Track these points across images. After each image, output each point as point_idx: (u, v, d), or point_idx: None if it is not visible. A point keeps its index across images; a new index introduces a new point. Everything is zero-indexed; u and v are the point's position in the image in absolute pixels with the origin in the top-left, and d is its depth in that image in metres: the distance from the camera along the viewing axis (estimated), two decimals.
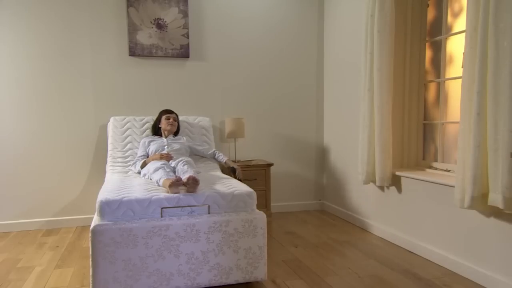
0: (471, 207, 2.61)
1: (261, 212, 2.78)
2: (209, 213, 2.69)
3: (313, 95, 4.77)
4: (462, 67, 3.13)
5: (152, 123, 4.02)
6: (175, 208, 2.62)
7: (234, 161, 4.28)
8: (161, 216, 2.58)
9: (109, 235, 2.42)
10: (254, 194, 2.80)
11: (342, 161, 4.43)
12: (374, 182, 3.72)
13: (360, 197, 4.11)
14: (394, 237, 3.58)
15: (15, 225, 4.06)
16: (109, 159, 3.68)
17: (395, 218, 3.58)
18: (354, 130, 4.19)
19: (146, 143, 3.70)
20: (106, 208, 2.46)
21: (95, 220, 2.50)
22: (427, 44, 3.57)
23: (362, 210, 4.08)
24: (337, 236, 3.80)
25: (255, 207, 2.81)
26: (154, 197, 2.58)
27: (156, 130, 3.90)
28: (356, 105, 4.15)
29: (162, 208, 2.58)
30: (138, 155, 3.65)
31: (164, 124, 3.82)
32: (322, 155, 4.83)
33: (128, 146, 3.80)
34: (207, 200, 2.69)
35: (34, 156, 4.07)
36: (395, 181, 3.55)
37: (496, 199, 2.50)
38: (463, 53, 3.12)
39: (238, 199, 2.75)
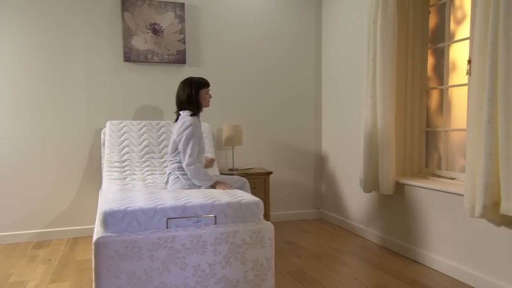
0: (482, 216, 2.57)
1: (269, 222, 2.69)
2: (215, 224, 2.59)
3: (311, 102, 4.72)
4: (467, 74, 3.11)
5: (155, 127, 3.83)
6: (181, 219, 2.51)
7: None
8: (167, 227, 2.47)
9: (113, 247, 2.29)
10: (261, 203, 2.71)
11: (341, 169, 4.38)
12: (376, 190, 3.67)
13: (361, 205, 4.05)
14: (398, 247, 3.52)
15: (3, 237, 3.87)
16: (105, 163, 3.54)
17: (399, 227, 3.53)
18: (353, 137, 4.15)
19: (204, 134, 3.15)
20: (110, 219, 2.34)
21: (98, 232, 2.38)
22: (429, 51, 3.55)
23: (363, 219, 4.02)
24: (339, 246, 3.72)
25: (262, 216, 2.72)
26: (160, 206, 2.47)
27: (198, 109, 3.11)
28: (355, 112, 4.10)
29: (167, 219, 2.47)
30: (198, 152, 2.98)
31: (206, 101, 3.14)
32: (320, 163, 4.77)
33: (125, 150, 3.66)
34: (214, 210, 2.59)
35: (24, 165, 3.90)
36: (399, 189, 3.50)
37: (508, 207, 2.47)
38: (468, 60, 3.12)
39: (245, 208, 2.66)
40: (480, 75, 2.65)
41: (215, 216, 2.59)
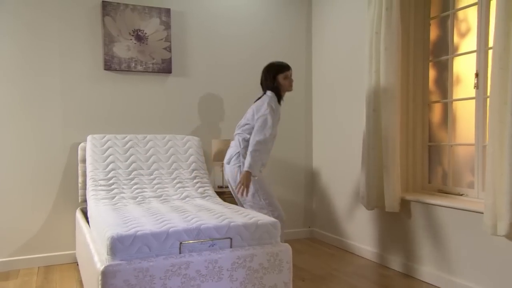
0: (507, 234, 2.47)
1: (286, 244, 2.46)
2: (231, 247, 2.32)
3: (302, 115, 4.53)
4: (474, 87, 3.07)
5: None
6: (195, 242, 2.23)
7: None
8: (180, 252, 2.18)
9: (123, 277, 1.97)
10: (279, 224, 2.48)
11: (334, 185, 4.21)
12: (378, 207, 3.52)
13: (359, 223, 3.89)
14: (406, 267, 3.37)
15: None
16: (89, 182, 3.16)
17: (405, 245, 3.38)
18: (348, 152, 4.00)
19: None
20: (119, 245, 2.01)
21: (104, 260, 2.04)
22: (430, 64, 3.49)
23: (362, 237, 3.85)
24: (340, 267, 3.53)
25: (279, 238, 2.49)
26: (172, 229, 2.18)
27: (278, 95, 3.10)
28: (349, 126, 3.97)
29: (181, 243, 2.18)
30: (270, 134, 2.95)
31: (286, 86, 3.09)
32: (311, 179, 4.57)
33: (111, 166, 3.29)
34: (230, 232, 2.32)
35: None
36: (404, 206, 3.37)
37: None
38: (476, 73, 3.07)
39: (262, 230, 2.42)
40: (502, 88, 2.56)
41: (230, 239, 2.32)
